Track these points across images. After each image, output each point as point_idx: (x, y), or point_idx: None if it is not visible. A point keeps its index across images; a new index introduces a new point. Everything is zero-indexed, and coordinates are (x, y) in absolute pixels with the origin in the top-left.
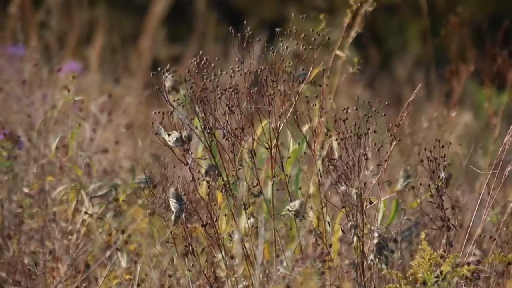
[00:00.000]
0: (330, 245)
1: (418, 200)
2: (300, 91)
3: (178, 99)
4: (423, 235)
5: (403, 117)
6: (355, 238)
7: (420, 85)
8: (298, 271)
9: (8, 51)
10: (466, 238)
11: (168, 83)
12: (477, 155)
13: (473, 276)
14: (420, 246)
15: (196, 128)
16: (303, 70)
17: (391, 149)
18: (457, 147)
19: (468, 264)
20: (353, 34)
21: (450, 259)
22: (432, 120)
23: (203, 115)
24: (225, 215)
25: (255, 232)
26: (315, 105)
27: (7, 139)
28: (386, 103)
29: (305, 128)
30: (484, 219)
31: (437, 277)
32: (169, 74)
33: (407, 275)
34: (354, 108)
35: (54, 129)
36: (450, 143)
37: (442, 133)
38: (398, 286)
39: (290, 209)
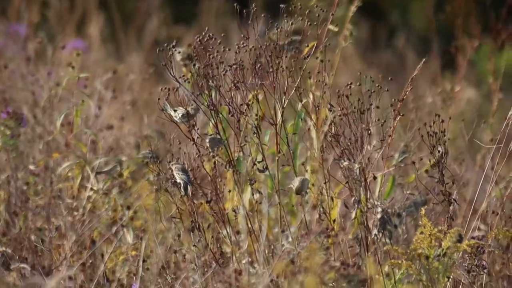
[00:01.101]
0: (334, 220)
1: (417, 174)
2: (303, 67)
3: (183, 75)
4: (423, 211)
5: (407, 92)
6: (358, 213)
7: (423, 60)
8: (303, 246)
9: (11, 29)
10: (470, 212)
11: (179, 57)
12: (480, 130)
13: (477, 251)
14: (420, 222)
15: (202, 104)
16: (294, 38)
17: (395, 124)
18: (460, 122)
19: (474, 238)
20: (353, 8)
21: (450, 235)
22: (435, 96)
23: (208, 91)
24: (230, 191)
25: (259, 208)
26: (318, 80)
27: (10, 118)
28: (389, 78)
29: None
30: (488, 193)
31: (439, 254)
32: (175, 50)
33: (408, 251)
34: (358, 83)
35: (59, 106)
36: (450, 118)
37: (445, 108)
38: (400, 262)
39: (293, 186)
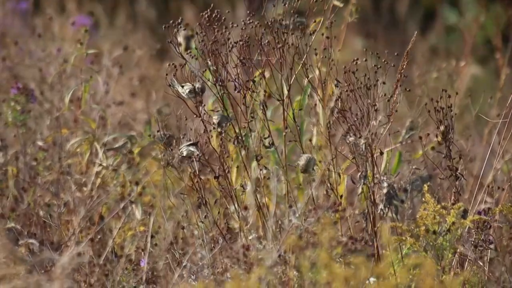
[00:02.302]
0: (341, 196)
1: (424, 150)
2: (310, 44)
3: (189, 51)
4: (426, 187)
5: (404, 65)
6: (364, 188)
7: (416, 32)
8: (310, 222)
9: (17, 6)
10: (477, 187)
11: (181, 37)
12: (487, 106)
13: (484, 225)
14: (423, 199)
15: (208, 80)
16: (300, 18)
17: (395, 97)
18: (467, 98)
19: (479, 213)
20: None
21: (454, 210)
22: (440, 71)
23: (214, 67)
24: (237, 167)
25: (266, 183)
26: (324, 56)
27: (20, 93)
28: (396, 54)
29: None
30: (494, 167)
31: (443, 230)
32: (180, 27)
33: (412, 227)
34: (364, 59)
35: (67, 82)
36: (457, 93)
37: (451, 83)
38: (403, 238)
39: (298, 163)
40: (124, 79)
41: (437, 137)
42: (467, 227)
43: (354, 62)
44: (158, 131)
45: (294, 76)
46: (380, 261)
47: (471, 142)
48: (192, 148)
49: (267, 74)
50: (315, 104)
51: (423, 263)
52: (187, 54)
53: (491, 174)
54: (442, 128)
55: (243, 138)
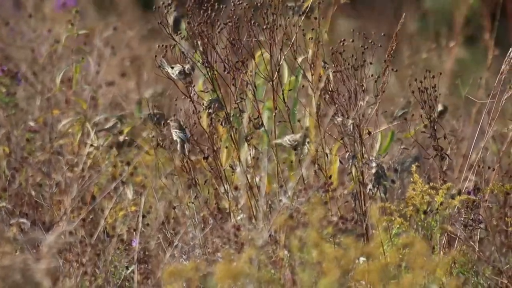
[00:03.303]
0: (330, 176)
1: (413, 131)
2: (299, 24)
3: (179, 33)
4: (414, 168)
5: (393, 47)
6: (353, 168)
7: (404, 15)
8: (301, 202)
9: None
10: (466, 167)
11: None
12: (476, 86)
13: (473, 205)
14: (411, 179)
15: (198, 61)
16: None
17: (384, 78)
18: (456, 78)
19: (469, 193)
20: None
21: (443, 190)
22: (430, 51)
23: (202, 49)
24: (226, 147)
25: (256, 164)
26: (311, 38)
27: (5, 75)
28: (382, 34)
29: (300, 59)
30: (482, 146)
31: (431, 210)
32: (171, 8)
33: (400, 207)
34: (351, 40)
35: (58, 63)
36: (440, 74)
37: (440, 64)
38: (392, 218)
39: (290, 142)
40: (115, 60)
41: (421, 117)
42: (456, 207)
43: (341, 43)
44: (149, 112)
45: (283, 57)
46: (369, 241)
47: (461, 123)
48: (180, 133)
49: (257, 55)
50: (303, 86)
51: (413, 243)
52: (176, 35)
53: (476, 153)
54: (432, 109)
55: (231, 119)
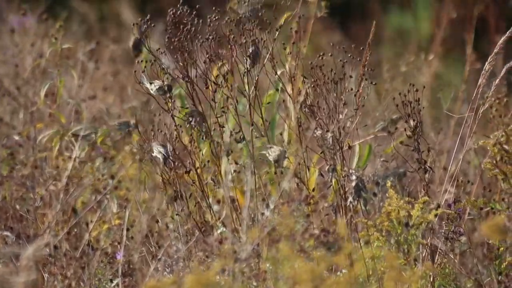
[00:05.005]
0: (313, 189)
1: (392, 146)
2: (274, 38)
3: (159, 49)
4: (388, 183)
5: (367, 57)
6: (333, 181)
7: (374, 22)
8: (283, 215)
9: None
10: (446, 179)
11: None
12: (456, 98)
13: (454, 217)
14: (387, 195)
15: (178, 77)
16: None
17: (361, 90)
18: (437, 91)
19: (449, 205)
20: None
21: (419, 205)
22: (409, 64)
23: (182, 64)
24: (208, 161)
25: (238, 177)
26: (290, 53)
27: None
28: (361, 48)
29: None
30: (461, 158)
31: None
32: (150, 24)
33: (377, 223)
34: (329, 54)
35: (42, 77)
36: (424, 87)
37: (420, 77)
38: (369, 233)
39: (270, 154)
40: (98, 74)
41: (405, 130)
42: (436, 220)
43: (320, 57)
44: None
45: (260, 70)
46: (351, 253)
47: (442, 135)
48: (161, 148)
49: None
50: (284, 100)
51: (386, 256)
52: (157, 50)
53: (454, 165)
54: (411, 122)
55: (212, 133)
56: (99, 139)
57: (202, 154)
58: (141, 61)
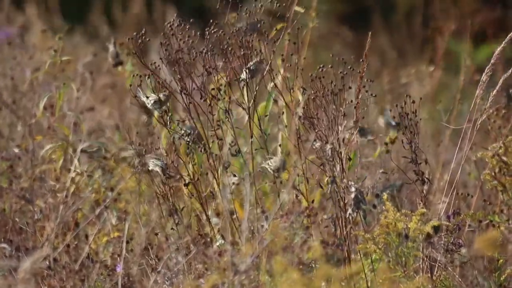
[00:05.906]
0: (313, 201)
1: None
2: (274, 49)
3: (154, 62)
4: (385, 196)
5: (364, 68)
6: (333, 193)
7: (370, 33)
8: (283, 227)
9: None
10: (445, 191)
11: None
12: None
13: (453, 228)
14: (384, 207)
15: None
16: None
17: (359, 102)
18: (438, 103)
19: (448, 217)
20: None
21: (416, 217)
22: (410, 76)
23: (179, 76)
24: (207, 174)
25: (237, 189)
26: (289, 65)
27: None
28: (361, 60)
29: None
30: (459, 170)
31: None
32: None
33: (374, 235)
34: (329, 66)
35: (40, 89)
36: (421, 99)
37: (421, 88)
38: (367, 246)
39: (269, 165)
40: (97, 86)
41: (402, 142)
42: (432, 231)
43: (320, 70)
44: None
45: (259, 82)
46: (350, 265)
47: (443, 147)
48: (158, 162)
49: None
50: (283, 112)
51: (381, 269)
52: (152, 64)
53: (452, 176)
54: (413, 134)
55: (210, 146)
56: (109, 156)
57: (201, 166)
58: (136, 74)
